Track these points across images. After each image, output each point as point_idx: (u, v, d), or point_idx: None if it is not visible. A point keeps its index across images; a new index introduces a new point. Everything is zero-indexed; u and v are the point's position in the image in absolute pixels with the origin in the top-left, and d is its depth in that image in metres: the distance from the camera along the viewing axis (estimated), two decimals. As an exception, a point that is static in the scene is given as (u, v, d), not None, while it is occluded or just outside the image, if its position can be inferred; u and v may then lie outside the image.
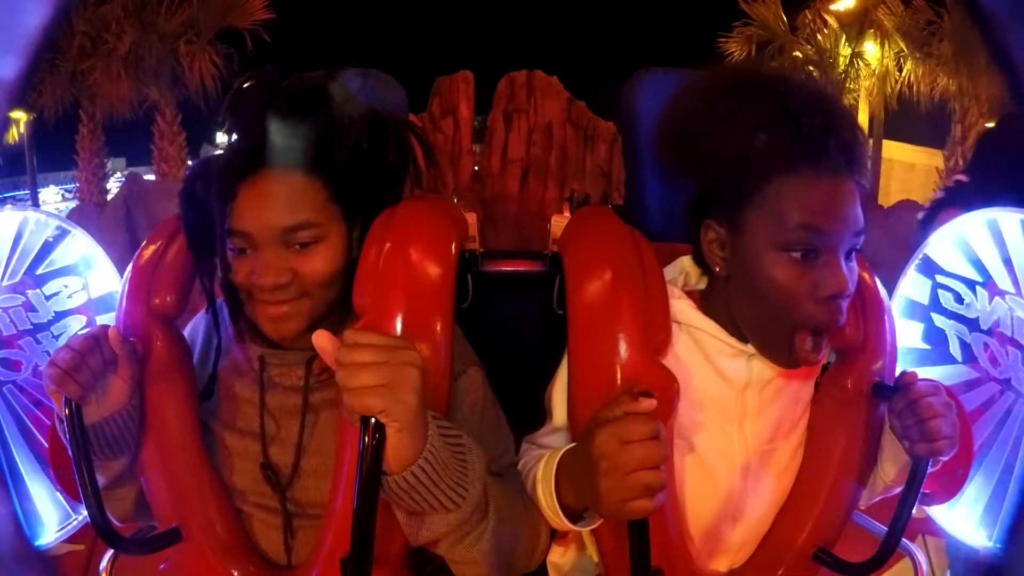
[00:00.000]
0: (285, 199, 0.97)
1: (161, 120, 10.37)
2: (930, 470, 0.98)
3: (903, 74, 10.53)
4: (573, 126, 6.63)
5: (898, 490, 1.03)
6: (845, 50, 10.92)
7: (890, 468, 1.06)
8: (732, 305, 1.00)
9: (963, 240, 1.88)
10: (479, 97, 7.09)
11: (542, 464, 0.97)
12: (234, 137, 1.00)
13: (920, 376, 1.01)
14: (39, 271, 1.81)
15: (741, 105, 0.92)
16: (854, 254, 0.95)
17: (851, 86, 10.93)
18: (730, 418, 1.03)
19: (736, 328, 1.01)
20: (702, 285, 1.08)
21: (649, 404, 0.84)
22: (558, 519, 0.94)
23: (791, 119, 0.90)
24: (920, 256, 1.97)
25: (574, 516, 0.94)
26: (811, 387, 1.09)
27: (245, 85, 1.02)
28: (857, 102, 11.20)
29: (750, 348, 1.01)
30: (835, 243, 0.90)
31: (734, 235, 0.95)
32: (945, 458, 0.98)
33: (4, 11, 0.48)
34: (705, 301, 1.05)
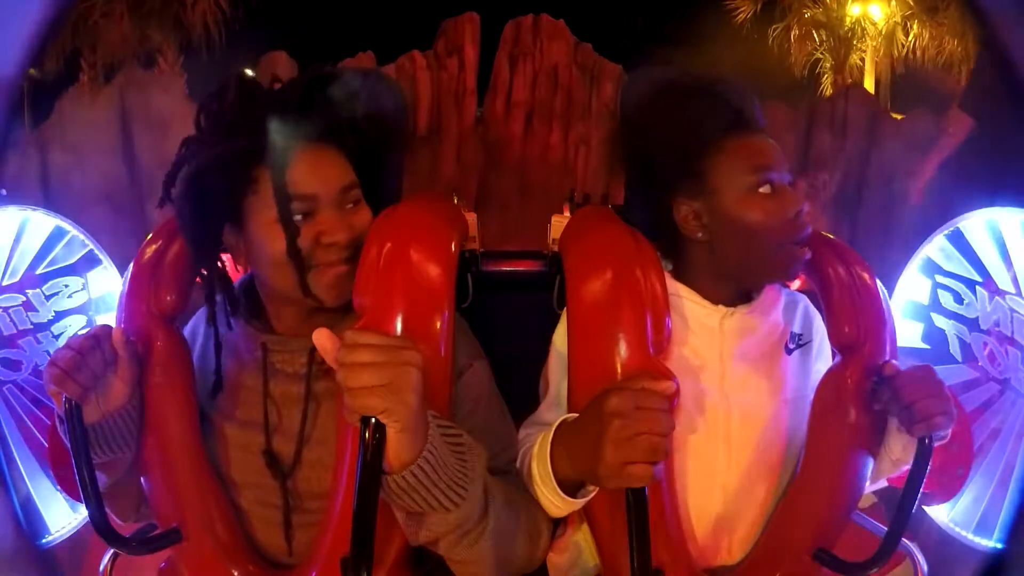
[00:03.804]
0: (336, 163, 1.05)
1: (163, 61, 10.06)
2: (937, 444, 1.00)
3: (910, 38, 10.40)
4: (579, 68, 6.58)
5: (905, 468, 1.03)
6: (852, 10, 10.80)
7: (895, 445, 1.07)
8: (721, 261, 1.10)
9: (963, 240, 1.89)
10: (484, 43, 7.05)
11: (539, 439, 0.97)
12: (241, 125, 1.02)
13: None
14: (39, 271, 1.81)
15: (683, 101, 1.12)
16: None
17: (858, 45, 10.81)
18: (711, 375, 1.09)
19: (708, 293, 1.12)
20: (669, 267, 1.16)
21: (668, 385, 0.87)
22: (554, 495, 0.94)
23: (714, 97, 1.12)
24: (920, 256, 1.97)
25: (568, 490, 0.94)
26: (782, 350, 1.14)
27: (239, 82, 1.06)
28: (863, 63, 11.10)
29: (722, 309, 1.11)
30: (783, 174, 1.10)
31: (708, 200, 1.08)
32: (945, 432, 0.99)
33: (4, 10, 0.49)
34: (677, 275, 1.14)
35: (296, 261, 1.00)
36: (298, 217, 1.00)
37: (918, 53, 10.30)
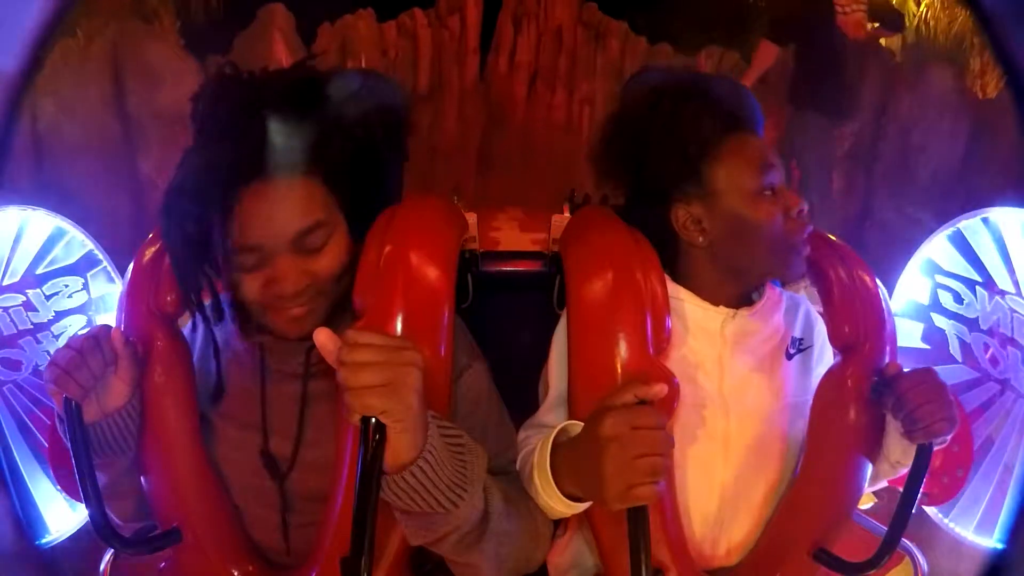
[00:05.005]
0: (291, 204, 0.94)
1: (159, 26, 10.06)
2: (937, 447, 1.00)
3: (921, 7, 10.47)
4: (584, 26, 6.56)
5: (905, 469, 1.03)
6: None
7: (895, 448, 1.07)
8: (723, 263, 1.10)
9: (963, 240, 1.89)
10: (487, 3, 7.07)
11: (538, 447, 0.97)
12: (211, 142, 0.95)
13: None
14: (39, 271, 1.81)
15: (675, 105, 1.10)
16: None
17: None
18: (710, 378, 1.09)
19: (709, 296, 1.11)
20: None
21: (660, 389, 0.88)
22: (555, 502, 0.93)
23: (711, 99, 1.11)
24: (920, 256, 1.97)
25: (570, 496, 0.94)
26: (782, 354, 1.14)
27: (215, 83, 0.97)
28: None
29: (723, 310, 1.10)
30: (780, 173, 1.10)
31: (708, 203, 1.08)
32: (947, 437, 1.00)
33: (5, 7, 0.48)
34: (676, 279, 1.13)
35: (240, 314, 0.99)
36: (251, 267, 0.94)
37: (930, 24, 10.37)
